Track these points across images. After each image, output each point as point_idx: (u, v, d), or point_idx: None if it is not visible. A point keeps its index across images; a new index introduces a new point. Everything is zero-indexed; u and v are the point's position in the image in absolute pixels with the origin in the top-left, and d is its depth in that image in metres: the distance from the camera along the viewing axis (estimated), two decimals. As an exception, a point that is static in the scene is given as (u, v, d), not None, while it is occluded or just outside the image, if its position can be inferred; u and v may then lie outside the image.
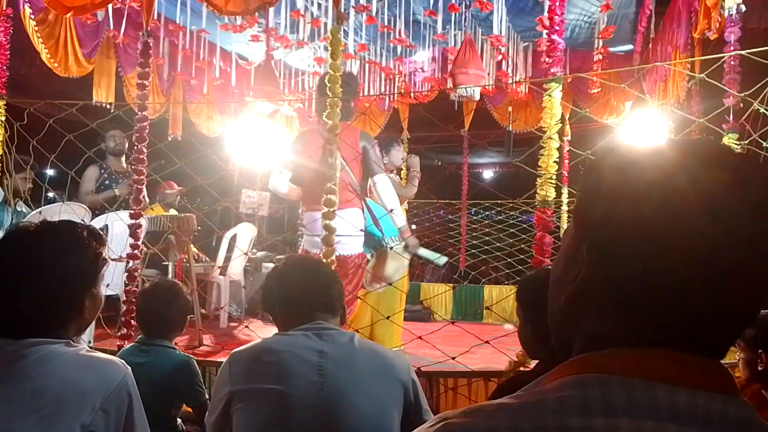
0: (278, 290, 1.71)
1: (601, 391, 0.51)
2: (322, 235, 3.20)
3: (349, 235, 3.36)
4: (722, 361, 0.56)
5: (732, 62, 3.28)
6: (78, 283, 1.28)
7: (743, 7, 3.39)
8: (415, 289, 6.01)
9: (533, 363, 1.74)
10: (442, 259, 4.01)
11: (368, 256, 3.66)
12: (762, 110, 2.56)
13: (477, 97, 5.01)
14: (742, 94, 2.75)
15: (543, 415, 0.51)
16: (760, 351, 1.89)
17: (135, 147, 3.31)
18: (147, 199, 4.99)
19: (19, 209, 4.38)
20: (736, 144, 2.96)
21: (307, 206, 3.55)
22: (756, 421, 0.53)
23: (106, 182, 4.69)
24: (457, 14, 5.14)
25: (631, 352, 0.54)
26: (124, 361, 1.30)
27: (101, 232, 1.38)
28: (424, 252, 3.77)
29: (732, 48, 3.23)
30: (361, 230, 3.47)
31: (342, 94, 3.24)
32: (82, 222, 3.88)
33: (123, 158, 4.83)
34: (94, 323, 3.70)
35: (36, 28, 4.56)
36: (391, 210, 3.46)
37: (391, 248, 3.60)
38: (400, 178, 5.50)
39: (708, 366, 0.53)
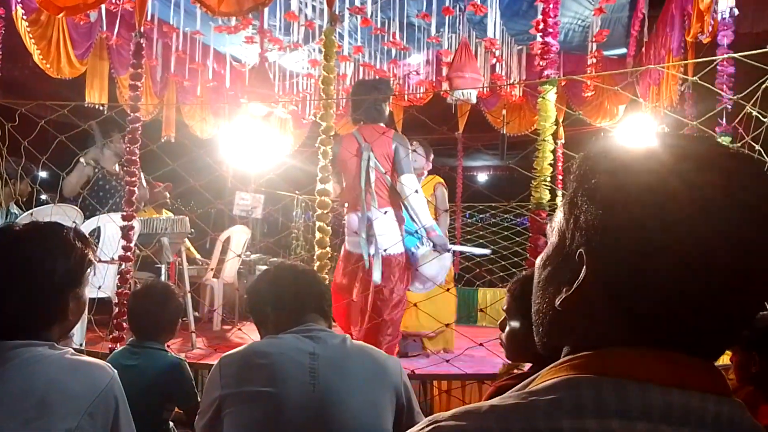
0: (271, 291, 1.70)
1: (593, 393, 0.51)
2: (361, 235, 3.30)
3: (388, 235, 3.39)
4: (716, 363, 0.56)
5: (724, 65, 3.29)
6: (63, 284, 1.26)
7: (736, 11, 3.41)
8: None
9: (526, 366, 1.72)
10: (484, 251, 3.96)
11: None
12: (755, 113, 2.57)
13: (474, 100, 5.02)
14: (735, 97, 2.76)
15: (534, 416, 0.51)
16: (753, 352, 1.88)
17: (127, 148, 3.30)
18: (146, 192, 4.96)
19: (11, 211, 4.35)
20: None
21: (348, 208, 3.58)
22: (749, 421, 0.53)
23: (100, 182, 4.66)
24: (451, 17, 5.15)
25: (623, 353, 0.53)
26: (110, 365, 1.28)
27: (87, 235, 1.37)
28: (460, 248, 3.71)
29: (724, 52, 3.25)
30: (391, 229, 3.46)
31: (376, 100, 3.40)
32: (74, 224, 3.86)
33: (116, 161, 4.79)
34: (85, 325, 3.68)
35: (28, 29, 4.54)
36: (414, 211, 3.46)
37: (413, 253, 3.58)
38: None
39: (701, 367, 0.53)
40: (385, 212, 3.42)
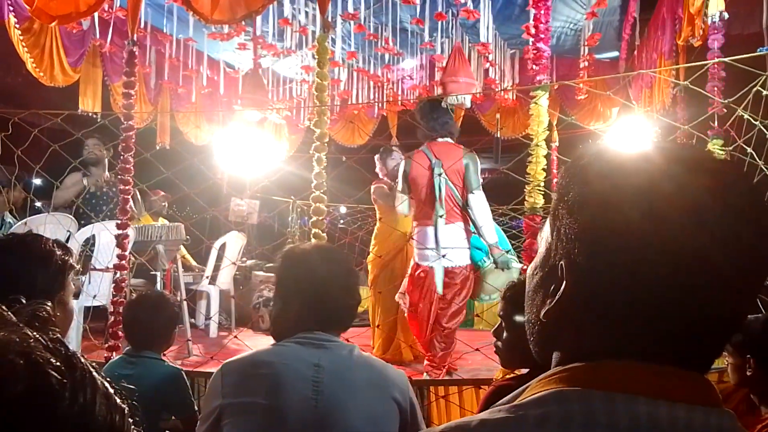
0: (308, 280, 1.54)
1: (581, 406, 0.51)
2: (431, 248, 3.45)
3: (454, 248, 3.50)
4: (713, 365, 0.56)
5: (716, 68, 3.31)
6: (45, 291, 1.25)
7: (726, 14, 3.43)
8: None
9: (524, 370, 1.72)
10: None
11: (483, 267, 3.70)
12: (746, 116, 2.59)
13: (468, 105, 5.02)
14: (726, 101, 2.78)
15: (524, 431, 0.51)
16: (748, 356, 1.89)
17: (121, 156, 3.28)
18: (142, 208, 4.97)
19: (6, 220, 4.34)
20: (720, 150, 2.99)
21: (418, 221, 3.69)
22: (737, 430, 0.53)
23: (91, 190, 4.65)
24: (444, 22, 5.16)
25: (611, 366, 0.53)
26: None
27: (82, 243, 1.38)
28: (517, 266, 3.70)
29: (715, 55, 3.27)
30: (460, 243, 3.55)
31: (440, 116, 3.64)
32: (68, 232, 3.84)
33: (105, 167, 4.76)
34: (80, 333, 3.66)
35: (21, 38, 4.52)
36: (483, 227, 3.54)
37: (480, 266, 3.63)
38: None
39: (689, 379, 0.53)
40: (454, 226, 3.53)
